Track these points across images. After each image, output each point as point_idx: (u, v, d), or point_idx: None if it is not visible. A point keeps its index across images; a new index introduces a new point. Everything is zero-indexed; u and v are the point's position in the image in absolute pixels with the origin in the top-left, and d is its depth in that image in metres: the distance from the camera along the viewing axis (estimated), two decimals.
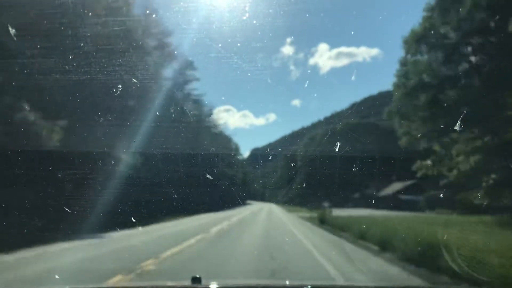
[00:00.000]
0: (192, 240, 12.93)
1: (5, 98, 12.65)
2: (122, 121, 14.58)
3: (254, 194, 66.49)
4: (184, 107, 20.28)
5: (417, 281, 7.54)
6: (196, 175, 14.48)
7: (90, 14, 11.61)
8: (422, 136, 22.77)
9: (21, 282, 7.14)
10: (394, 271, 8.56)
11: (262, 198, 68.50)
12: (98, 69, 11.72)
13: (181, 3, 13.41)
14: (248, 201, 64.39)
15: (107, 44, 11.77)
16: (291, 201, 50.87)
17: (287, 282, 5.80)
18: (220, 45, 12.13)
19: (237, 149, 52.18)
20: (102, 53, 11.51)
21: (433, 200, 31.78)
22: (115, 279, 6.98)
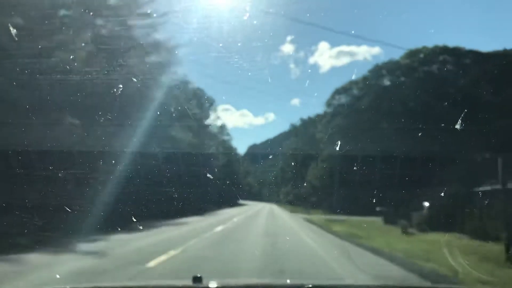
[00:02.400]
0: None
1: (6, 98, 12.66)
2: (121, 120, 14.58)
3: (251, 193, 59.99)
4: (178, 105, 20.04)
5: (417, 280, 7.56)
6: (181, 174, 14.10)
7: (91, 14, 11.63)
8: None
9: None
10: None
11: (259, 197, 61.99)
12: (99, 69, 11.76)
13: (182, 3, 13.45)
14: (243, 202, 54.27)
15: (108, 44, 11.81)
16: (297, 201, 39.21)
17: (288, 281, 5.83)
18: (220, 44, 12.19)
19: (232, 146, 49.43)
20: (103, 53, 11.56)
21: None
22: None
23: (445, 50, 38.67)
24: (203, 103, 34.86)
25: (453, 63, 37.77)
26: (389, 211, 20.10)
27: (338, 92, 42.16)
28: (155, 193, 13.93)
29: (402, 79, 37.48)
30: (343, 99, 41.44)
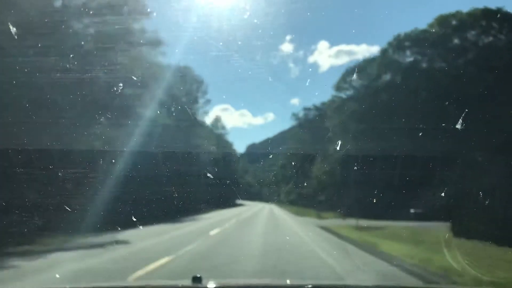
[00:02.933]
0: None
1: (5, 96, 12.64)
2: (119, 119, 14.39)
3: (250, 193, 57.71)
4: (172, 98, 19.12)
5: (416, 281, 7.53)
6: (170, 173, 13.28)
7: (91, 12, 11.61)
8: None
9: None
10: None
11: (259, 197, 60.19)
12: (98, 68, 11.74)
13: (182, 2, 13.42)
14: (241, 201, 49.92)
15: (105, 43, 11.82)
16: (300, 201, 34.35)
17: (288, 282, 5.82)
18: (220, 43, 12.15)
19: (228, 141, 47.01)
20: (102, 52, 11.56)
21: None
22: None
23: (486, 13, 30.42)
24: (192, 88, 31.72)
25: (498, 30, 30.15)
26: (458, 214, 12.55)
27: (349, 72, 35.51)
28: (138, 195, 12.95)
29: (431, 51, 31.97)
30: (357, 80, 34.30)
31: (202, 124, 34.73)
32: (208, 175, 14.14)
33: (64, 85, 12.08)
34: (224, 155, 34.16)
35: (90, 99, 13.34)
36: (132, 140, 14.26)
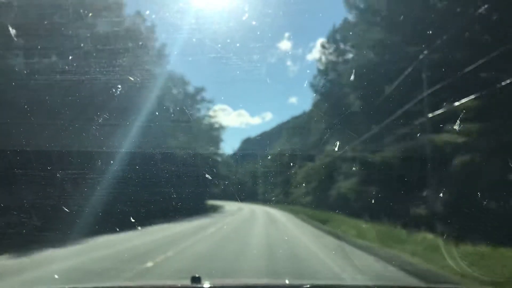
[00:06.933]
0: None
1: (3, 97, 12.67)
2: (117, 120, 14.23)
3: (248, 193, 51.08)
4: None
5: (416, 281, 7.60)
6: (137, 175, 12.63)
7: (89, 14, 11.66)
8: None
9: None
10: None
11: (255, 197, 52.16)
12: (96, 69, 11.79)
13: (180, 3, 13.50)
14: (230, 204, 37.04)
15: (106, 44, 11.90)
16: (327, 204, 24.46)
17: (287, 281, 5.86)
18: (219, 45, 12.22)
19: (222, 143, 43.98)
20: (101, 53, 11.63)
21: None
22: None
23: None
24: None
25: None
26: None
27: None
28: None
29: None
30: None
31: (198, 125, 33.51)
32: (207, 176, 13.55)
33: (62, 86, 12.12)
34: (217, 155, 32.27)
35: (88, 100, 13.38)
36: (129, 141, 14.16)
